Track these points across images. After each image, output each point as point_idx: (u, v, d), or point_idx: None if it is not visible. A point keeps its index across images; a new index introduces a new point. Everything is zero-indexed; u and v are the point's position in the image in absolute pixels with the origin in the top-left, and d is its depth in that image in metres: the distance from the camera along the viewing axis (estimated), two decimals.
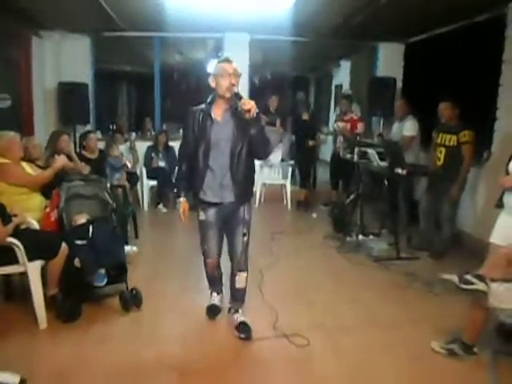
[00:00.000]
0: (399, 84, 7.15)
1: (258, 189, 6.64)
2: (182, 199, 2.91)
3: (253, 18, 5.64)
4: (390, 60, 7.38)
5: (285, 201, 6.87)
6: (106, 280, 3.18)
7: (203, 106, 2.79)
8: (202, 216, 2.88)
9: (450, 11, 5.00)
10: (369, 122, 7.84)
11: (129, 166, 5.75)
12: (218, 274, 3.18)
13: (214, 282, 3.22)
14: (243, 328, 2.94)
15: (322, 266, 4.40)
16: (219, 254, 3.01)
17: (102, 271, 3.16)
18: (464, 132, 4.38)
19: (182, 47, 8.33)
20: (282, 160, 6.81)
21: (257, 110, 2.59)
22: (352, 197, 5.29)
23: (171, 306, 3.34)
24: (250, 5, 4.88)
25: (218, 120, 2.73)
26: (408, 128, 5.32)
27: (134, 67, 10.82)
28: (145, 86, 9.59)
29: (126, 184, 5.48)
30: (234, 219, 2.84)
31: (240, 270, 2.93)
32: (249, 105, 2.55)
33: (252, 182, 2.93)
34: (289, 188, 6.77)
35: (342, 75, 9.97)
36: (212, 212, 2.85)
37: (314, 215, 6.27)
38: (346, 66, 9.74)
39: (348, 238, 5.02)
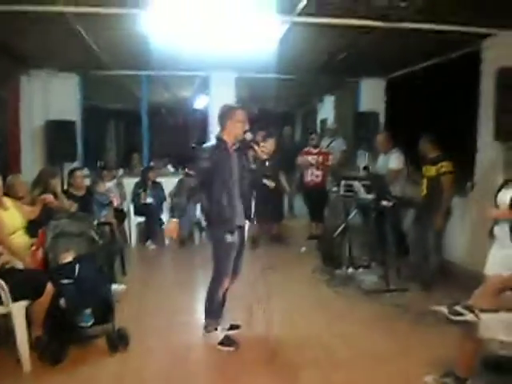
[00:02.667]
0: (382, 118, 7.34)
1: None
2: (175, 219, 3.24)
3: (239, 57, 5.80)
4: (372, 95, 7.61)
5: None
6: (92, 320, 3.10)
7: (214, 143, 3.25)
8: (230, 239, 3.19)
9: (426, 48, 5.22)
10: (354, 155, 8.00)
11: (115, 203, 5.73)
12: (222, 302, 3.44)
13: (219, 309, 3.39)
14: (227, 341, 3.22)
15: (312, 300, 4.36)
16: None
17: (88, 311, 3.08)
18: (442, 163, 4.50)
19: (169, 85, 8.47)
20: None
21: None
22: (340, 229, 5.32)
23: (159, 345, 3.25)
24: (236, 44, 5.02)
25: (232, 157, 3.21)
26: (393, 161, 5.42)
27: (122, 104, 10.94)
28: (132, 122, 9.69)
29: (113, 221, 5.44)
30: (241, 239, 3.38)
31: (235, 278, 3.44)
32: (263, 152, 3.24)
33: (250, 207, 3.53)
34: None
35: (327, 110, 10.21)
36: (236, 234, 3.25)
37: (303, 249, 6.25)
38: (330, 101, 9.99)
39: (337, 271, 5.01)
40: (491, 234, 3.09)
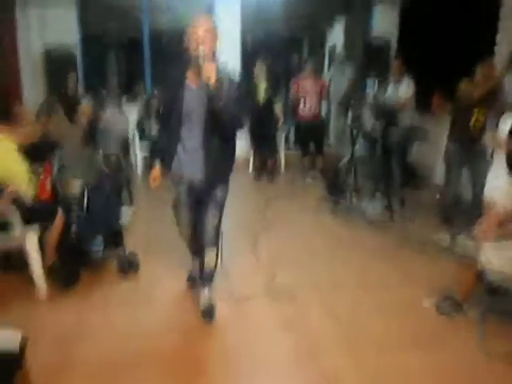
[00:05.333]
0: (394, 44, 7.03)
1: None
2: (156, 166, 2.71)
3: None
4: (384, 21, 7.23)
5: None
6: (103, 245, 3.21)
7: (178, 70, 2.53)
8: (175, 191, 2.73)
9: None
10: (363, 83, 7.76)
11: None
12: (197, 242, 2.86)
13: (195, 251, 2.98)
14: (206, 310, 2.77)
15: (316, 228, 4.46)
16: (194, 226, 2.80)
17: (99, 237, 3.19)
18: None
19: (172, 8, 8.05)
20: None
21: (219, 77, 2.27)
22: (346, 159, 5.29)
23: (167, 269, 3.37)
24: None
25: (193, 87, 2.45)
26: (403, 90, 5.27)
27: (123, 31, 10.50)
28: (134, 50, 9.35)
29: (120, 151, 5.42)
30: (205, 198, 2.64)
31: (209, 247, 2.72)
32: (207, 71, 2.24)
33: (230, 161, 2.66)
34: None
35: (336, 35, 9.75)
36: (183, 189, 2.68)
37: (308, 180, 6.27)
38: (340, 26, 9.51)
39: (342, 200, 5.06)
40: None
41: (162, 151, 2.69)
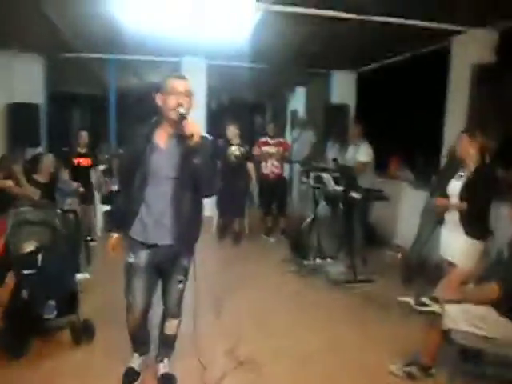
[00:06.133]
0: (353, 109, 7.42)
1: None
2: (113, 233, 2.51)
3: (211, 44, 5.70)
4: (343, 87, 7.68)
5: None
6: (56, 312, 2.99)
7: (144, 128, 2.40)
8: (131, 258, 2.41)
9: (397, 42, 5.29)
10: (324, 146, 8.05)
11: (81, 189, 5.54)
12: (144, 333, 2.69)
13: (138, 342, 2.69)
14: (166, 381, 2.60)
15: (281, 291, 4.38)
16: (146, 310, 2.52)
17: (52, 302, 2.98)
18: None
19: (138, 70, 8.26)
20: None
21: (202, 135, 2.25)
22: (308, 220, 5.35)
23: (125, 339, 3.15)
24: (209, 30, 4.92)
25: (161, 147, 2.34)
26: (362, 153, 5.49)
27: (89, 89, 10.60)
28: (100, 108, 9.41)
29: (78, 209, 5.26)
30: (169, 265, 2.45)
31: (172, 317, 2.58)
32: (192, 128, 2.17)
33: (198, 222, 2.50)
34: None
35: (298, 101, 10.23)
36: (143, 254, 2.39)
37: (272, 240, 6.26)
38: (301, 92, 10.00)
39: (306, 262, 5.05)
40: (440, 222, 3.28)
41: (121, 215, 2.47)
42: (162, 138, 2.36)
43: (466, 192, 3.19)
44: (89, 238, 5.05)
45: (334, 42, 5.32)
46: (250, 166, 6.04)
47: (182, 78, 2.37)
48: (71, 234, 4.16)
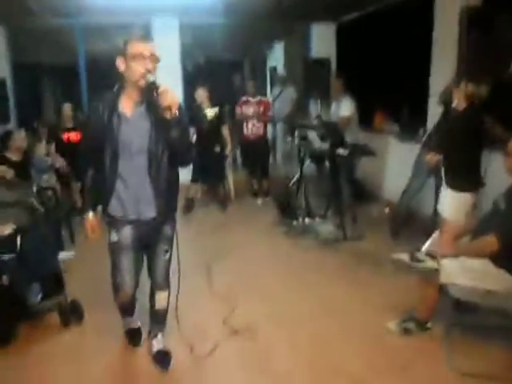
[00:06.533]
0: (334, 64, 7.19)
1: None
2: (90, 214, 2.35)
3: (182, 0, 5.38)
4: (322, 40, 7.40)
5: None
6: (41, 295, 2.89)
7: (107, 97, 2.23)
8: (114, 237, 2.30)
9: None
10: (306, 103, 7.85)
11: (57, 164, 5.30)
12: (134, 303, 2.62)
13: (131, 310, 2.68)
14: (160, 357, 2.54)
15: (272, 254, 4.33)
16: (135, 286, 2.42)
17: (36, 285, 2.87)
18: None
19: (108, 34, 7.83)
20: None
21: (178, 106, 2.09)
22: (295, 179, 5.25)
23: (116, 316, 3.05)
24: None
25: (128, 116, 2.19)
26: (344, 108, 5.34)
27: (57, 58, 10.09)
28: (70, 78, 8.99)
29: (56, 185, 5.06)
30: (154, 237, 2.37)
31: (160, 289, 2.50)
32: (171, 99, 2.02)
33: (176, 191, 2.41)
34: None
35: (277, 57, 9.91)
36: (127, 231, 2.29)
37: (259, 202, 6.17)
38: (279, 48, 9.68)
39: (294, 223, 4.98)
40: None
41: (96, 195, 2.34)
42: (128, 106, 2.20)
43: (446, 141, 3.11)
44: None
45: None
46: (225, 129, 5.75)
47: (147, 39, 2.18)
48: (51, 213, 4.02)
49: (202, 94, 5.59)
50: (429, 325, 2.78)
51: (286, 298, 3.37)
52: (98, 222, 2.38)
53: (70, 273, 3.37)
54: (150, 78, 2.08)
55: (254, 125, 6.10)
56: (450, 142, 3.21)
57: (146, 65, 2.08)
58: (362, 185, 5.91)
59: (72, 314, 2.96)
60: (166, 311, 2.60)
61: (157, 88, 2.05)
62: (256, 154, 6.22)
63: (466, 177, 3.12)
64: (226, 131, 5.74)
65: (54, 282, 2.96)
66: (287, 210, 5.21)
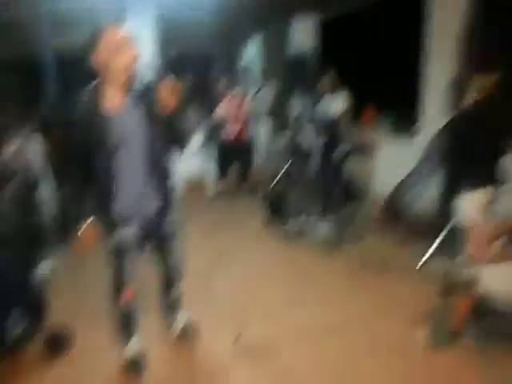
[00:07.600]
0: (316, 59, 6.95)
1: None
2: (87, 225, 2.16)
3: None
4: (305, 33, 7.15)
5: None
6: (19, 322, 2.45)
7: (86, 98, 2.06)
8: (116, 239, 2.17)
9: None
10: (286, 99, 7.58)
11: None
12: (137, 310, 2.36)
13: (131, 322, 2.35)
14: (184, 333, 2.58)
15: (272, 260, 4.03)
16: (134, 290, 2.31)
17: (14, 312, 2.43)
18: None
19: (76, 24, 7.31)
20: None
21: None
22: (280, 178, 4.97)
23: (110, 337, 2.69)
24: None
25: (115, 114, 2.05)
26: (340, 103, 5.09)
27: (22, 52, 9.43)
28: (34, 73, 8.40)
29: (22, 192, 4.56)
30: (160, 228, 2.31)
31: (179, 280, 2.51)
32: (169, 99, 1.99)
33: (170, 181, 2.34)
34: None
35: (255, 51, 9.61)
36: (131, 230, 2.19)
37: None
38: (258, 41, 9.38)
39: (288, 224, 4.68)
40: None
41: (93, 203, 2.19)
42: (112, 104, 2.05)
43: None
44: None
45: None
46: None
47: (124, 30, 2.02)
48: (24, 219, 3.56)
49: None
50: (460, 335, 2.55)
51: (299, 311, 3.05)
52: (95, 232, 2.19)
53: (54, 290, 2.91)
54: (133, 69, 2.02)
55: (233, 121, 5.83)
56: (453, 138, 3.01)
57: (129, 53, 1.97)
58: (353, 182, 5.67)
59: (57, 342, 2.55)
60: (181, 295, 2.57)
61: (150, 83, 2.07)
62: (236, 154, 5.95)
63: (482, 172, 2.92)
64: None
65: (33, 307, 2.53)
66: (279, 213, 4.91)
